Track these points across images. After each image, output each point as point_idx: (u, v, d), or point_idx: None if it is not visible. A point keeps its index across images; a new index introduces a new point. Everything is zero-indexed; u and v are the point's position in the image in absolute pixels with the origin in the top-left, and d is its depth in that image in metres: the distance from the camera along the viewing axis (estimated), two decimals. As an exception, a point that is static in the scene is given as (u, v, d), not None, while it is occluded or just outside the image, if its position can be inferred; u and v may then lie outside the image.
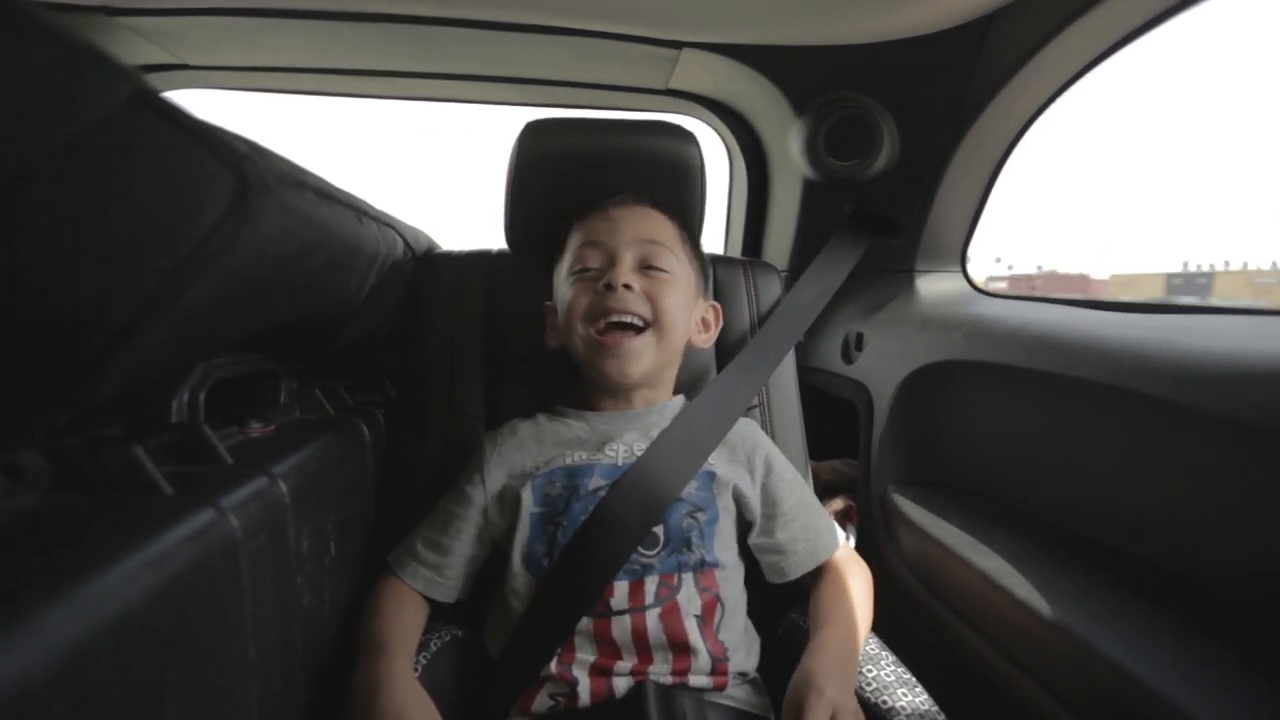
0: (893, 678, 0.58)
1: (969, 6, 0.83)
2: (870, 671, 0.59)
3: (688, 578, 0.60)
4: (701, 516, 0.63)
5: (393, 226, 0.69)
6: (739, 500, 0.65)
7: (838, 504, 1.00)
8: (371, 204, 0.62)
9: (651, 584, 0.59)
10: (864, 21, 0.88)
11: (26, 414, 0.37)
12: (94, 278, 0.32)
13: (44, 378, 0.34)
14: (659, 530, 0.61)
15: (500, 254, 0.86)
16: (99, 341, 0.33)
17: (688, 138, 0.79)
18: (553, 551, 0.60)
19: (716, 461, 0.67)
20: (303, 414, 0.70)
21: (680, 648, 0.57)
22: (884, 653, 0.61)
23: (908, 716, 0.54)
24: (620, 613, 0.57)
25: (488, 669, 0.60)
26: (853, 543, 0.95)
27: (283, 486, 0.50)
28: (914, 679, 0.58)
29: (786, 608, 0.70)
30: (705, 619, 0.59)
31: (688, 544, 0.61)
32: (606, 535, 0.59)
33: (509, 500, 0.64)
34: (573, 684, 0.55)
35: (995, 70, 0.89)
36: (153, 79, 1.11)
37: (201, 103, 1.22)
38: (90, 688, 0.30)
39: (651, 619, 0.57)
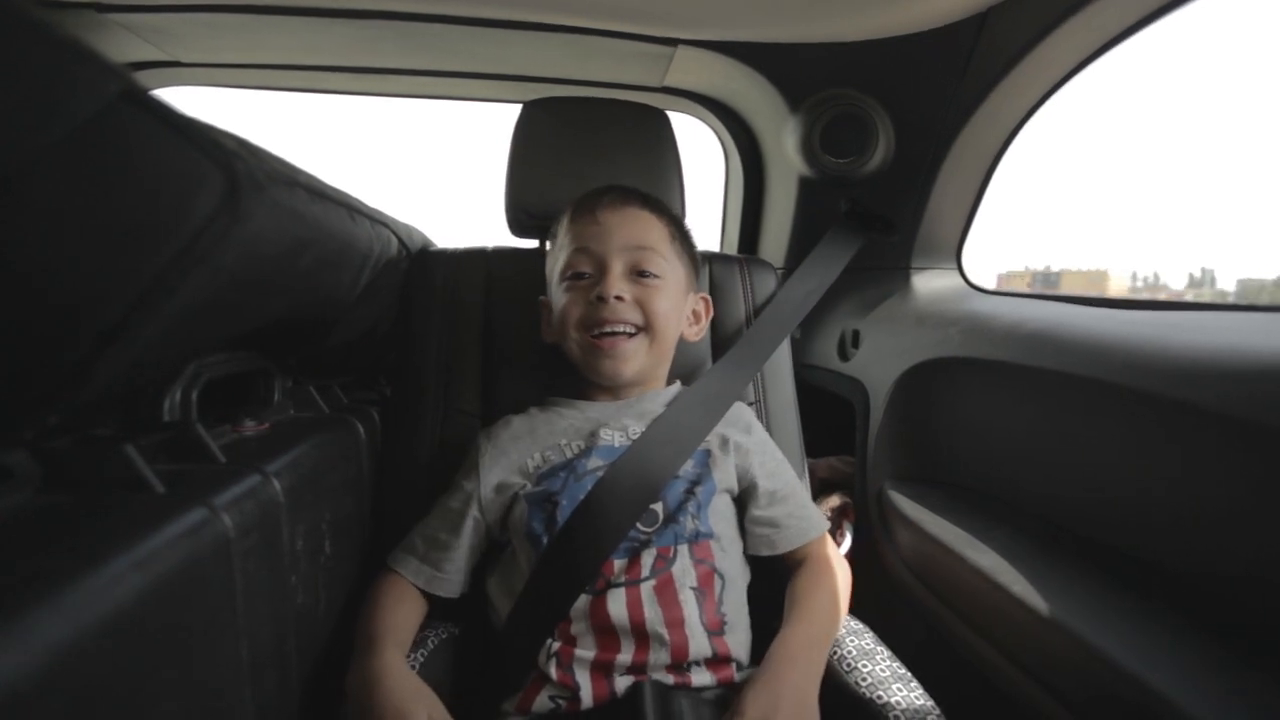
0: (888, 673, 0.58)
1: (964, 3, 0.82)
2: (865, 666, 0.59)
3: (683, 549, 0.61)
4: (699, 490, 0.64)
5: (386, 224, 0.69)
6: (731, 476, 0.68)
7: (834, 501, 1.00)
8: (364, 201, 0.61)
9: (648, 558, 0.60)
10: (859, 19, 0.88)
11: (16, 414, 0.36)
12: (82, 277, 0.31)
13: (33, 377, 0.34)
14: (658, 508, 0.62)
15: (496, 251, 0.86)
16: (88, 341, 0.33)
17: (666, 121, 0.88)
18: (551, 529, 0.60)
19: (711, 439, 0.68)
20: (297, 412, 0.70)
21: (676, 625, 0.57)
22: (879, 648, 0.62)
23: (903, 712, 0.54)
24: (616, 585, 0.58)
25: (487, 658, 0.60)
26: (849, 540, 0.95)
27: (277, 485, 0.50)
28: (909, 674, 0.58)
29: (782, 604, 0.69)
30: (704, 591, 0.60)
31: (683, 517, 0.62)
32: (604, 512, 0.60)
33: (506, 492, 0.65)
34: (574, 689, 0.55)
35: (991, 67, 0.89)
36: (144, 76, 1.11)
37: (194, 100, 1.22)
38: (81, 689, 0.30)
39: (646, 591, 0.58)
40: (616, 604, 0.57)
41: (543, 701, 0.55)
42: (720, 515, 0.65)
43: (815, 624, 0.60)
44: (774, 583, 0.68)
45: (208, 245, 0.34)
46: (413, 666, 0.58)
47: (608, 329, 0.67)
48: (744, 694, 0.53)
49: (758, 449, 0.70)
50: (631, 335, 0.68)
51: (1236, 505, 0.50)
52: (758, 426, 0.75)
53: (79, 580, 0.31)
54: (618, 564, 0.59)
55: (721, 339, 0.84)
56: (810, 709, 0.53)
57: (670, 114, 0.92)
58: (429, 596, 0.64)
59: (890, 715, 0.54)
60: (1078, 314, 0.73)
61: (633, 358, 0.68)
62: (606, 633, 0.57)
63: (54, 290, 0.31)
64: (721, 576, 0.61)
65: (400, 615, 0.60)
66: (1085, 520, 0.65)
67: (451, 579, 0.64)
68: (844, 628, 0.64)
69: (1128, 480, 0.60)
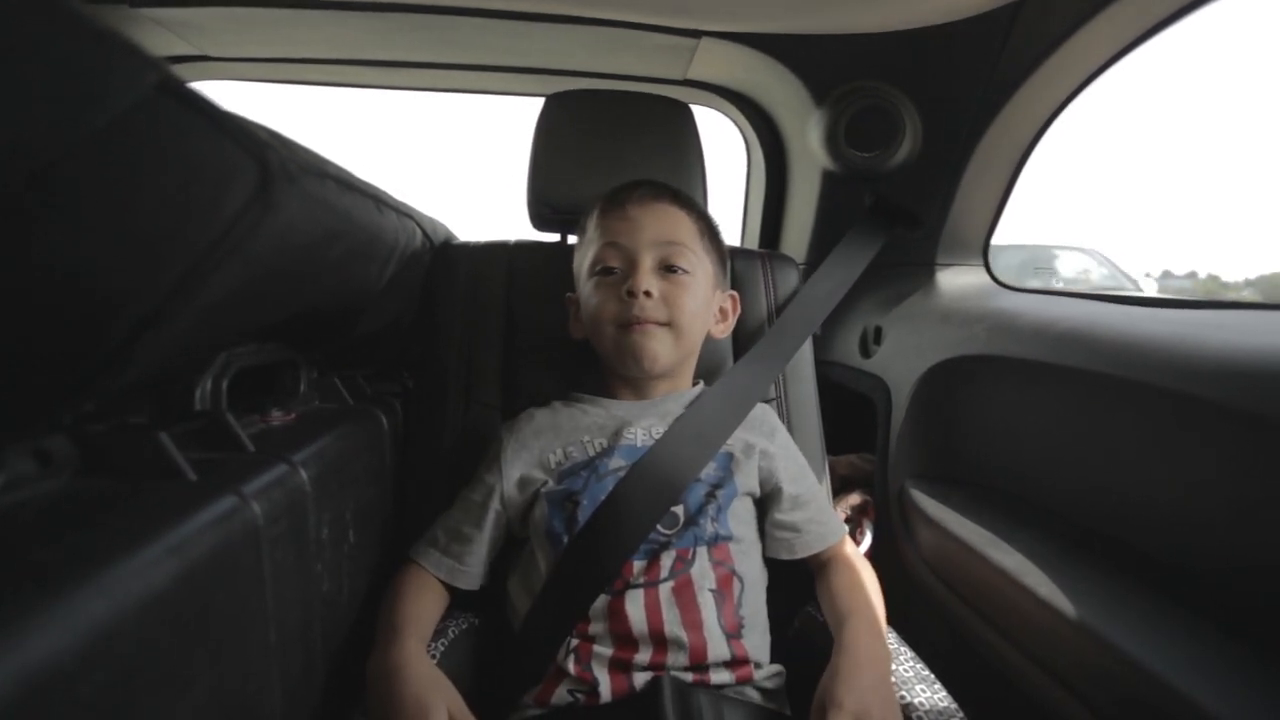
0: (911, 674, 0.58)
1: (996, -7, 0.81)
2: None
3: (701, 551, 0.60)
4: (720, 493, 0.64)
5: (411, 216, 0.69)
6: (754, 479, 0.67)
7: (854, 499, 1.00)
8: (390, 194, 0.62)
9: (668, 559, 0.59)
10: (887, 8, 0.86)
11: (56, 400, 0.37)
12: (121, 266, 0.32)
13: (72, 364, 0.34)
14: (678, 510, 0.62)
15: (518, 245, 0.86)
16: (125, 329, 0.33)
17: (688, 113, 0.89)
18: (571, 529, 0.61)
19: (734, 443, 0.68)
20: (322, 403, 0.71)
21: (694, 627, 0.57)
22: (902, 648, 0.61)
23: (926, 713, 0.54)
24: (635, 586, 0.58)
25: (505, 655, 0.61)
26: (869, 538, 0.95)
27: (303, 474, 0.51)
28: (932, 675, 0.58)
29: (801, 602, 0.69)
30: (723, 593, 0.59)
31: (703, 520, 0.62)
32: (625, 513, 0.60)
33: (528, 487, 0.65)
34: (593, 684, 0.55)
35: (1022, 59, 0.87)
36: (174, 71, 1.13)
37: (222, 94, 1.23)
38: (120, 668, 0.30)
39: (664, 593, 0.58)
40: (634, 605, 0.57)
41: (561, 695, 0.56)
42: (740, 518, 0.65)
43: (872, 612, 0.61)
44: (791, 583, 0.68)
45: (241, 235, 0.35)
46: (433, 656, 0.58)
47: (637, 326, 0.67)
48: (835, 688, 0.51)
49: (782, 453, 0.70)
50: (660, 325, 0.67)
51: (1272, 509, 0.49)
52: (781, 430, 0.74)
53: (118, 563, 0.31)
54: (637, 565, 0.59)
55: (743, 335, 0.83)
56: (895, 701, 0.53)
57: (693, 108, 0.91)
58: (450, 588, 0.64)
59: (914, 716, 0.54)
60: (1111, 312, 0.71)
61: (663, 346, 0.67)
62: (624, 637, 0.57)
63: (92, 278, 0.31)
64: (740, 579, 0.61)
65: (421, 606, 0.61)
66: (1115, 522, 0.64)
67: (472, 571, 0.64)
68: None
69: (1161, 482, 0.59)
